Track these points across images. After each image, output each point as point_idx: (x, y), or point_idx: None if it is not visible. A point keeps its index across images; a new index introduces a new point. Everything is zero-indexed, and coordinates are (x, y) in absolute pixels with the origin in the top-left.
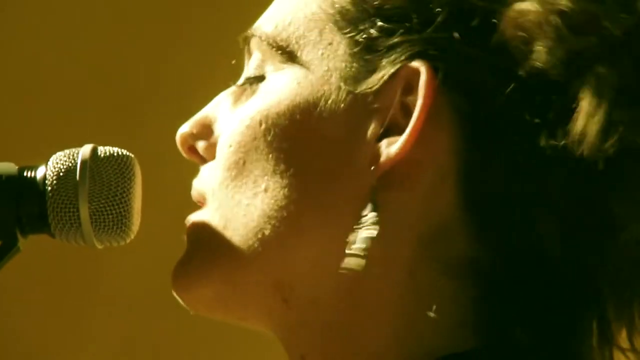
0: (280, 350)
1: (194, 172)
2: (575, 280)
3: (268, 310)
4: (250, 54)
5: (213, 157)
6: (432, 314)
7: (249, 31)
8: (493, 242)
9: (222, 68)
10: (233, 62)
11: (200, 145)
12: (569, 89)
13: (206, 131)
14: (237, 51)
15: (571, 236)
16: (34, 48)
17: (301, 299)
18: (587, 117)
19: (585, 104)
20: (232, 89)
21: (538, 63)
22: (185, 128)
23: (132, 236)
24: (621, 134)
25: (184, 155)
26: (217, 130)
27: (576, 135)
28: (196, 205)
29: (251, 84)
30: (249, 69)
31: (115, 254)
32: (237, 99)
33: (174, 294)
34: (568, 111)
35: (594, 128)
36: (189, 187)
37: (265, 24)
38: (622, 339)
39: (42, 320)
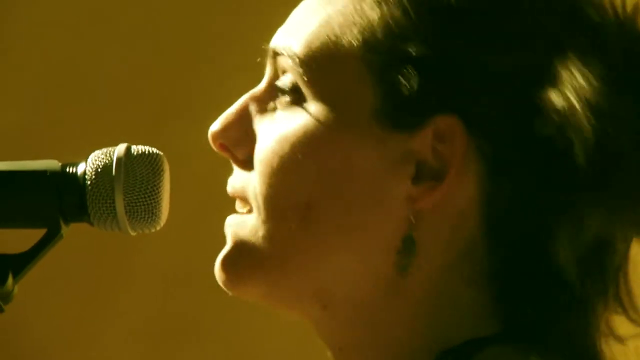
0: (300, 330)
1: (214, 168)
2: (576, 279)
3: (308, 313)
4: (274, 62)
5: (246, 160)
6: (457, 312)
7: (279, 43)
8: (510, 261)
9: (241, 75)
10: (258, 60)
11: (240, 152)
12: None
13: (238, 132)
14: (257, 55)
15: (577, 248)
16: (82, 59)
17: (339, 305)
18: (623, 194)
19: (620, 180)
20: (256, 91)
21: (577, 159)
22: (216, 126)
23: (162, 224)
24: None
25: (216, 150)
26: (249, 132)
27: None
28: (220, 200)
29: (283, 94)
30: (282, 80)
31: (142, 240)
32: (264, 103)
33: (220, 284)
34: (602, 182)
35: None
36: (210, 181)
37: (297, 42)
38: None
39: (70, 302)
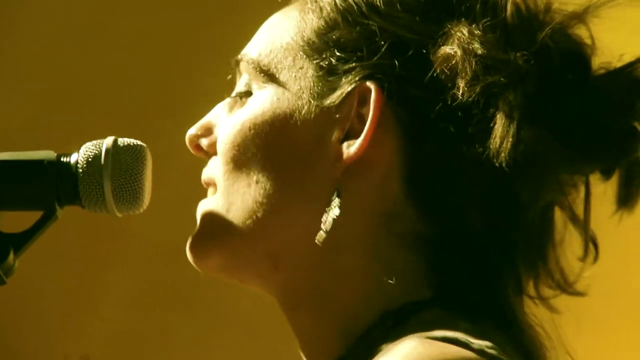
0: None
1: (192, 157)
2: (496, 246)
3: (263, 274)
4: (240, 73)
5: (214, 152)
6: (392, 275)
7: (239, 56)
8: (432, 221)
9: (221, 82)
10: (228, 77)
11: (204, 143)
12: (486, 112)
13: (208, 132)
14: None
15: (491, 215)
16: (77, 64)
17: (287, 265)
18: (502, 135)
19: (500, 125)
20: (227, 100)
21: (459, 94)
22: (192, 130)
23: (145, 207)
24: (527, 145)
25: (192, 151)
26: (217, 132)
27: (494, 148)
28: (196, 186)
29: (241, 97)
30: (239, 86)
31: (134, 219)
32: (231, 108)
33: (190, 260)
34: (486, 129)
35: (507, 145)
36: (187, 169)
37: (251, 51)
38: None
39: (69, 274)
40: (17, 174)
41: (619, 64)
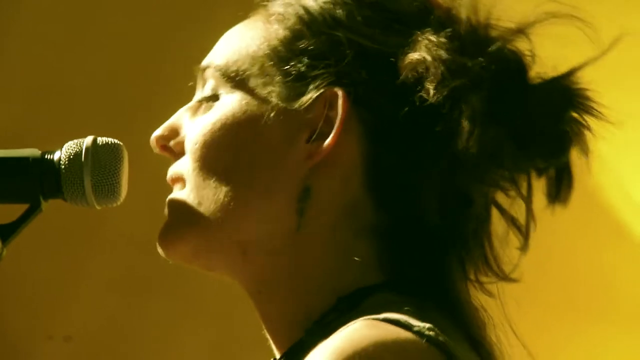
0: None
1: (165, 157)
2: (445, 237)
3: (231, 262)
4: (204, 79)
5: (181, 151)
6: (348, 263)
7: (204, 63)
8: (388, 214)
9: (191, 85)
10: (190, 84)
11: (172, 143)
12: (451, 113)
13: (174, 134)
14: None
15: (442, 210)
16: (60, 70)
17: (255, 254)
18: (468, 135)
19: (465, 127)
20: (189, 105)
21: (428, 96)
22: (158, 132)
23: (121, 200)
24: (489, 144)
25: (156, 151)
26: (183, 132)
27: (462, 146)
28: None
29: (207, 101)
30: (205, 91)
31: (109, 212)
32: (195, 111)
33: (160, 250)
34: (450, 129)
35: (474, 143)
36: (161, 165)
37: (217, 58)
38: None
39: (51, 262)
40: (5, 170)
41: (553, 74)
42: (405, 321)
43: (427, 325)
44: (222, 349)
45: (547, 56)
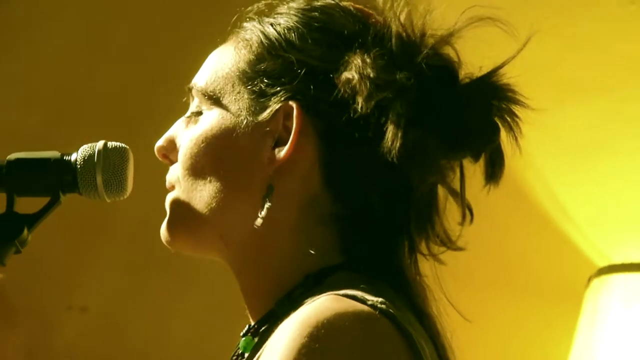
0: None
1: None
2: (392, 220)
3: (217, 249)
4: (192, 97)
5: (176, 160)
6: (312, 246)
7: (191, 84)
8: (343, 204)
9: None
10: (184, 99)
11: (169, 153)
12: (380, 120)
13: (172, 144)
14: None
15: (388, 197)
16: (75, 82)
17: (235, 242)
18: (392, 137)
19: (390, 130)
20: (183, 117)
21: (359, 108)
22: (159, 143)
23: (128, 194)
24: (412, 143)
25: (159, 159)
26: (178, 143)
27: (387, 147)
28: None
29: (195, 116)
30: (192, 107)
31: (119, 204)
32: (187, 124)
33: (164, 242)
34: (381, 133)
35: (397, 144)
36: (160, 165)
37: (200, 80)
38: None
39: (71, 243)
40: (30, 169)
41: (479, 74)
42: (361, 296)
43: (380, 299)
44: (212, 317)
45: (475, 57)
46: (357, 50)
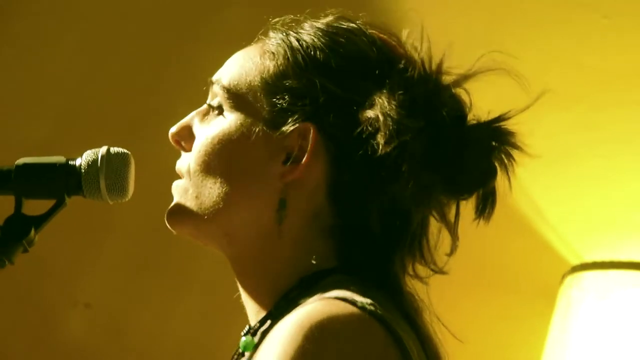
0: None
1: (165, 163)
2: (388, 238)
3: (219, 245)
4: (213, 91)
5: (189, 149)
6: (311, 253)
7: (214, 77)
8: (344, 219)
9: (197, 94)
10: (204, 88)
11: (182, 140)
12: (396, 158)
13: (186, 132)
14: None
15: (386, 219)
16: (81, 89)
17: (239, 242)
18: (407, 180)
19: (406, 172)
20: (201, 108)
21: (377, 147)
22: (174, 129)
23: (129, 197)
24: (424, 186)
25: (172, 143)
26: (193, 132)
27: (402, 188)
28: (166, 182)
29: (213, 110)
30: (214, 100)
31: (121, 206)
32: (204, 115)
33: (167, 224)
34: (396, 170)
35: (411, 186)
36: (160, 170)
37: (224, 77)
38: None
39: (76, 243)
40: (37, 173)
41: (486, 118)
42: (351, 298)
43: (369, 301)
44: (210, 314)
45: (484, 101)
46: (383, 90)
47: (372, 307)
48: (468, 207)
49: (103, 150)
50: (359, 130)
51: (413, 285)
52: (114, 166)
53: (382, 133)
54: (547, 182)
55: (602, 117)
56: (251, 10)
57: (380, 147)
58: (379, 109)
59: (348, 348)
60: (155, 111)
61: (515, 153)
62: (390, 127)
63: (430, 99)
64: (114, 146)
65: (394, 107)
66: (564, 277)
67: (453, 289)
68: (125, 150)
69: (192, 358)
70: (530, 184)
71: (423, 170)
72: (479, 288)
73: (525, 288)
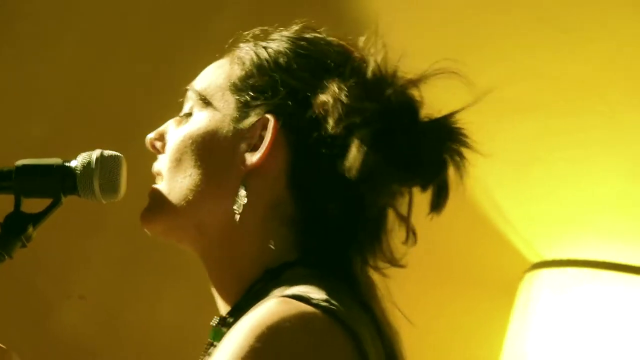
0: None
1: (151, 164)
2: (346, 228)
3: (191, 238)
4: (187, 99)
5: (164, 152)
6: (273, 244)
7: (189, 86)
8: (304, 209)
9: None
10: (180, 100)
11: (158, 145)
12: (345, 141)
13: (161, 137)
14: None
15: (343, 208)
16: (80, 93)
17: (208, 232)
18: (353, 158)
19: (353, 152)
20: (176, 118)
21: (329, 128)
22: (151, 135)
23: (121, 197)
24: (370, 167)
25: (149, 149)
26: (167, 137)
27: (347, 166)
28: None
29: (187, 116)
30: (186, 108)
31: (113, 204)
32: (179, 123)
33: (143, 226)
34: (344, 153)
35: (356, 165)
36: (152, 173)
37: (197, 84)
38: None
39: (70, 240)
40: (35, 174)
41: (437, 115)
42: (307, 295)
43: (324, 297)
44: (195, 303)
45: (435, 100)
46: (335, 78)
47: (326, 304)
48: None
49: (97, 152)
50: (312, 114)
51: (382, 280)
52: (107, 168)
53: (332, 115)
54: (509, 185)
55: (561, 123)
56: (237, 25)
57: (331, 127)
58: (330, 94)
59: (300, 347)
60: (148, 115)
61: (475, 156)
62: (340, 110)
63: (381, 88)
64: (108, 148)
65: (344, 92)
66: (524, 273)
67: (422, 284)
68: (118, 153)
69: (180, 344)
70: (494, 187)
71: (372, 153)
72: (447, 283)
73: (489, 284)
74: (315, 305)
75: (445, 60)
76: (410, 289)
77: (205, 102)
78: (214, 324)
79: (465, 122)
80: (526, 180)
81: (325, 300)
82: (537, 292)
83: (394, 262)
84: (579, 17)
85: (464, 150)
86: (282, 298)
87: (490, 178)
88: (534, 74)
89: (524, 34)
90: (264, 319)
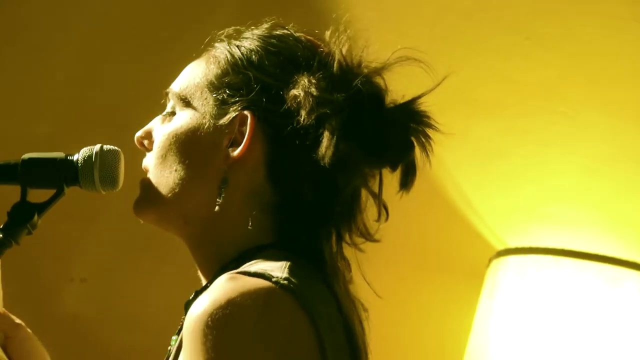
0: None
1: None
2: (321, 211)
3: (177, 226)
4: (169, 99)
5: (151, 149)
6: (252, 228)
7: (169, 88)
8: (281, 195)
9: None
10: (162, 101)
11: (145, 142)
12: (318, 131)
13: (148, 135)
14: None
15: (318, 192)
16: (82, 90)
17: (193, 221)
18: (326, 146)
19: (325, 140)
20: (160, 116)
21: (301, 119)
22: (139, 133)
23: (119, 187)
24: (341, 153)
25: (137, 145)
26: (154, 135)
27: (321, 154)
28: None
29: (169, 115)
30: (168, 107)
31: (112, 195)
32: (163, 121)
33: (135, 214)
34: (317, 142)
35: (329, 152)
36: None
37: (175, 86)
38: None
39: (73, 225)
40: (40, 166)
41: (401, 101)
42: (268, 273)
43: (284, 275)
44: (188, 284)
45: (399, 88)
46: (305, 72)
47: (285, 282)
48: (405, 197)
49: (97, 147)
50: (286, 109)
51: (357, 266)
52: (106, 161)
53: (304, 107)
54: (478, 178)
55: (525, 123)
56: (226, 27)
57: (303, 119)
58: (301, 87)
59: (255, 320)
60: (145, 113)
61: (444, 149)
62: (311, 102)
63: (348, 79)
64: (107, 144)
65: (313, 85)
66: (490, 260)
67: (395, 269)
68: (117, 148)
69: (171, 322)
70: (463, 180)
71: (342, 140)
72: (418, 270)
73: (457, 270)
74: (275, 282)
75: (405, 49)
76: (386, 275)
77: (185, 101)
78: (188, 300)
79: (438, 122)
80: (493, 174)
81: (285, 279)
82: (502, 277)
83: (369, 237)
84: (543, 25)
85: (428, 131)
86: (234, 274)
87: (460, 172)
88: (501, 78)
89: (491, 40)
90: (218, 295)
